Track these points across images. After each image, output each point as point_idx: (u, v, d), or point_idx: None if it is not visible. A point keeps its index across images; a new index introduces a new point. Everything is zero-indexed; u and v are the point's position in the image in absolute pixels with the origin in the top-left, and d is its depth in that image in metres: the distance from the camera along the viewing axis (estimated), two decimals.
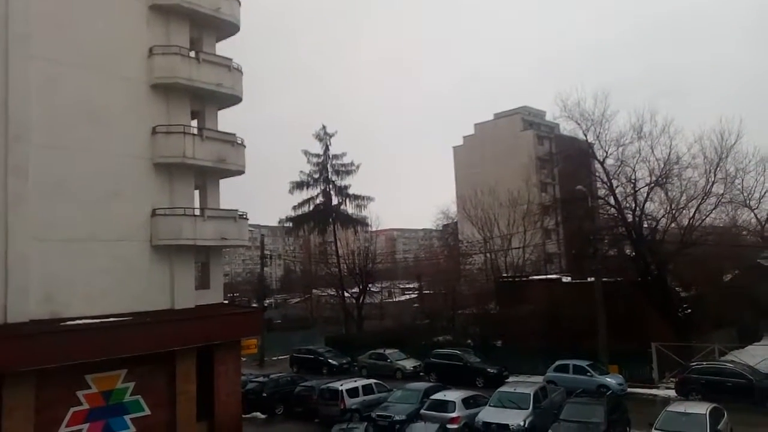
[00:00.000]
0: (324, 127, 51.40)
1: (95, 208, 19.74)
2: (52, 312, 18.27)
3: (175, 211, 21.51)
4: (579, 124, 34.73)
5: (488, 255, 47.89)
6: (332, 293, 53.01)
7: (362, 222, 53.96)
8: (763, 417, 21.49)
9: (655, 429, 18.20)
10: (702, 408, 18.88)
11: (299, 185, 51.83)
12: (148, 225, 21.18)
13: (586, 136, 34.80)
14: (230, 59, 23.52)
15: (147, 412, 20.13)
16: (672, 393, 26.61)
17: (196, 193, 23.75)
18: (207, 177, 23.57)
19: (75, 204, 19.28)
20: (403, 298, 68.71)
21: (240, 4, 24.35)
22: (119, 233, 20.40)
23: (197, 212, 22.44)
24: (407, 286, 75.38)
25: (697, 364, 26.71)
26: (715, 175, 32.59)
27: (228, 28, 24.28)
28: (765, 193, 37.85)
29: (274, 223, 63.57)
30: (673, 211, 32.95)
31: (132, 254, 20.73)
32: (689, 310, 32.42)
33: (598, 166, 34.90)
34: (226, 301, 32.03)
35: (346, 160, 51.68)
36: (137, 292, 20.65)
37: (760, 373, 25.31)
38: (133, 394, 19.86)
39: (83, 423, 18.61)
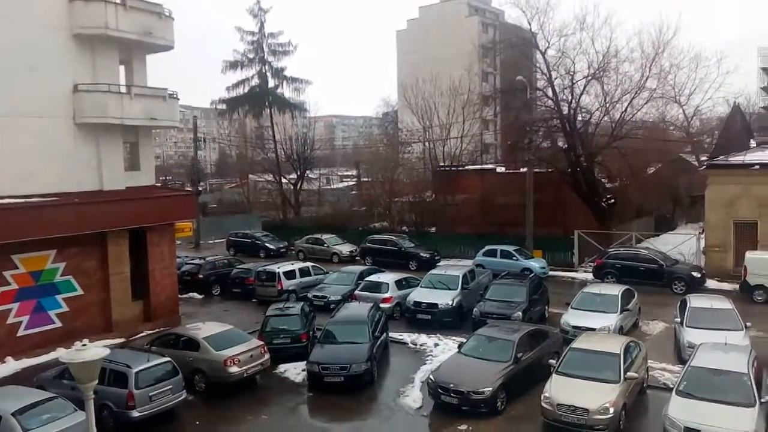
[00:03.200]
0: (258, 1, 48.35)
1: (13, 82, 18.47)
2: None
3: (99, 87, 20.30)
4: (524, 11, 34.09)
5: (427, 144, 48.11)
6: (269, 179, 52.55)
7: (300, 107, 52.75)
8: (669, 297, 23.56)
9: (572, 308, 19.71)
10: (615, 289, 20.46)
11: (233, 65, 49.53)
12: (70, 101, 20.04)
13: (530, 24, 34.31)
14: None
15: (80, 292, 20.07)
16: (590, 276, 28.57)
17: (122, 69, 22.29)
18: (133, 51, 22.14)
19: None
20: (341, 185, 69.04)
21: None
22: (41, 109, 19.30)
23: (123, 89, 21.26)
24: (346, 173, 75.59)
25: (614, 250, 28.55)
26: (650, 70, 33.13)
27: None
28: (694, 89, 39.13)
29: (207, 105, 61.11)
30: (607, 105, 33.62)
31: (55, 131, 19.74)
32: (612, 200, 34.12)
33: (539, 56, 34.76)
34: (159, 184, 31.25)
35: (282, 39, 49.38)
36: (63, 171, 19.85)
37: (670, 258, 27.39)
38: (64, 275, 19.67)
39: (13, 302, 18.44)
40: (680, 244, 29.72)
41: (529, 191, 31.40)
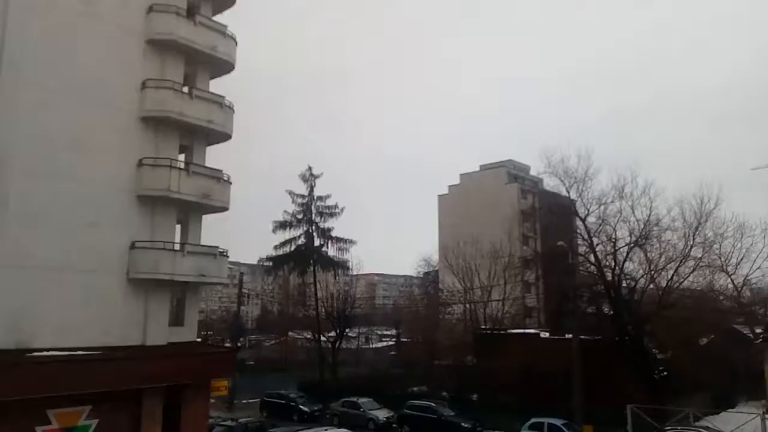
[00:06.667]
0: (310, 168, 51.53)
1: (73, 238, 19.37)
2: (18, 342, 17.70)
3: (155, 245, 21.22)
4: (562, 180, 35.33)
5: (468, 305, 47.68)
6: (308, 336, 52.15)
7: (343, 265, 53.59)
8: None
9: None
10: None
11: (282, 225, 51.54)
12: (125, 257, 20.82)
13: (568, 193, 35.34)
14: (222, 96, 23.70)
15: None
16: None
17: (178, 227, 23.51)
18: (190, 212, 23.38)
19: (54, 232, 18.95)
20: (380, 345, 67.86)
21: (236, 44, 24.67)
22: (95, 264, 20.00)
23: (177, 247, 22.16)
24: (385, 332, 74.61)
25: (671, 429, 26.43)
26: (693, 239, 33.08)
27: (223, 66, 24.53)
28: (741, 258, 38.39)
29: (254, 261, 62.92)
30: (652, 272, 33.24)
31: (107, 286, 20.30)
32: (665, 373, 32.35)
33: (579, 223, 35.31)
34: (199, 340, 31.33)
35: (330, 202, 51.69)
36: (109, 326, 20.14)
37: None
38: None
39: None
40: (743, 424, 27.35)
41: (576, 359, 30.13)
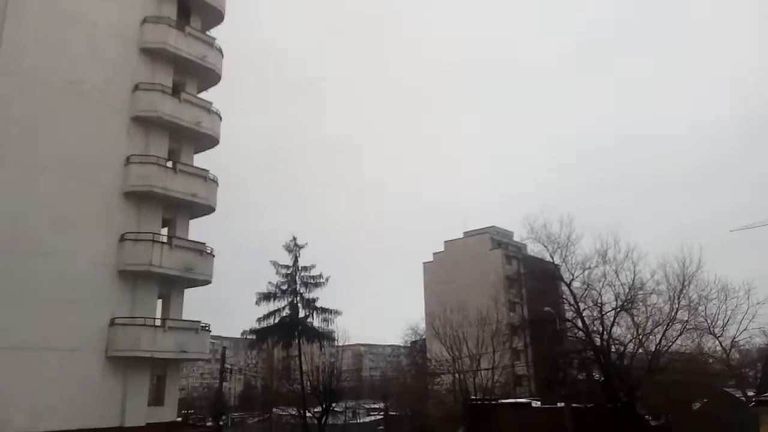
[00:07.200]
0: (294, 239, 51.37)
1: (54, 316, 19.03)
2: None
3: (135, 321, 20.82)
4: (546, 246, 35.61)
5: (457, 375, 46.72)
6: (293, 413, 50.41)
7: (329, 336, 52.64)
8: None
9: None
10: None
11: (266, 296, 50.80)
12: (105, 334, 20.35)
13: (552, 258, 35.55)
14: (206, 170, 23.90)
15: None
16: None
17: (159, 302, 23.09)
18: (172, 286, 23.08)
19: (34, 311, 18.61)
20: (368, 419, 65.77)
21: (221, 118, 25.15)
22: (74, 343, 19.54)
23: (158, 323, 21.73)
24: (373, 406, 72.50)
25: None
26: (679, 302, 33.19)
27: (208, 140, 24.91)
28: (728, 320, 38.41)
29: (237, 334, 61.57)
30: (640, 336, 33.07)
31: (85, 366, 19.73)
32: None
33: (565, 288, 35.34)
34: (180, 419, 30.16)
35: (315, 272, 51.27)
36: (86, 407, 19.41)
37: None
38: None
39: None
40: None
41: (569, 429, 29.39)
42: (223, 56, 25.64)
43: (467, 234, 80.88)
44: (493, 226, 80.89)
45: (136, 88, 22.48)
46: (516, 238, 67.73)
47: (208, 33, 25.77)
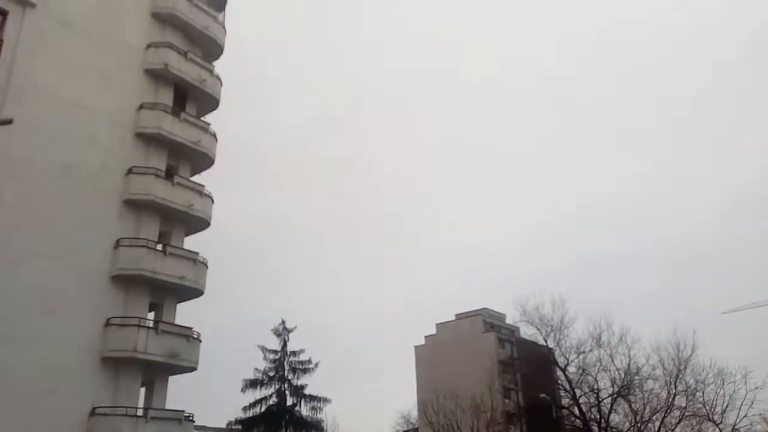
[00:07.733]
0: (283, 322, 50.31)
1: (32, 407, 18.15)
2: None
3: (116, 411, 19.93)
4: (539, 329, 35.28)
5: None
6: None
7: (317, 426, 50.57)
8: None
9: None
10: None
11: (253, 383, 49.15)
12: (85, 426, 19.37)
13: (546, 341, 35.11)
14: (197, 253, 23.71)
15: None
16: None
17: (142, 390, 22.22)
18: (156, 373, 22.30)
19: (11, 402, 17.76)
20: None
21: (213, 202, 25.22)
22: None
23: (140, 412, 20.81)
24: None
25: None
26: (675, 388, 32.58)
27: (199, 224, 24.84)
28: (726, 406, 37.47)
29: (222, 424, 58.95)
30: (638, 424, 32.17)
31: None
32: None
33: (560, 373, 34.63)
34: None
35: (304, 357, 49.95)
36: None
37: None
38: None
39: None
40: None
41: None
42: (217, 140, 26.07)
43: (459, 316, 79.88)
44: (485, 308, 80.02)
45: (130, 171, 22.63)
46: (509, 320, 66.86)
47: (203, 119, 26.34)
